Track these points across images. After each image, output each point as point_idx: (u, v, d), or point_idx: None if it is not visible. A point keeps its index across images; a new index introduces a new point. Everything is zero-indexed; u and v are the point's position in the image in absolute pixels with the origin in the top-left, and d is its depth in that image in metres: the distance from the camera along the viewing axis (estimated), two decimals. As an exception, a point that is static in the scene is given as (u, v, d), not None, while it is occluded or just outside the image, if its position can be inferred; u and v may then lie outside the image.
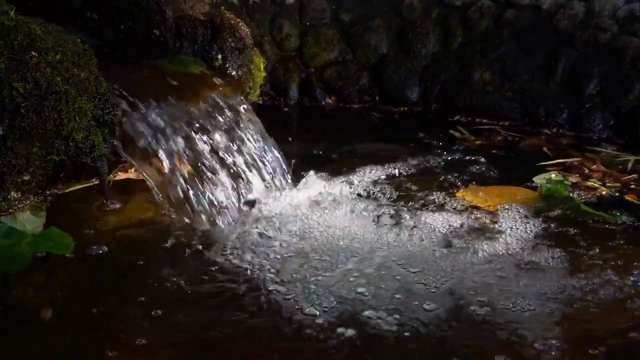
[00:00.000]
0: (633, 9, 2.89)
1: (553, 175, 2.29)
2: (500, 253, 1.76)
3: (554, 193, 2.15)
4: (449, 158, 2.52)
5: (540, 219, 1.97)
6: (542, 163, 2.50)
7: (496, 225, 1.93)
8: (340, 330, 1.40)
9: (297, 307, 1.49)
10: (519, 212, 2.01)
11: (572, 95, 2.92)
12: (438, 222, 1.94)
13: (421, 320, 1.44)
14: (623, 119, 2.80)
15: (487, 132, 2.91)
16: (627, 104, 2.81)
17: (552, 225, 1.93)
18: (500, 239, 1.84)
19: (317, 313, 1.46)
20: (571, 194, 2.17)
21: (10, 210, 1.78)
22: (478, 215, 2.00)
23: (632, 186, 2.28)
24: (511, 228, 1.91)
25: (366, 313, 1.47)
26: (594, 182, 2.30)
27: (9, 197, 1.77)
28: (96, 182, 2.07)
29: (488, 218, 1.98)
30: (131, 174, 2.15)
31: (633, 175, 2.36)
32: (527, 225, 1.93)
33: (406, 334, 1.40)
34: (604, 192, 2.21)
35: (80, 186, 2.06)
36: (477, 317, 1.46)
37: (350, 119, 3.14)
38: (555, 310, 1.48)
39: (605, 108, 2.85)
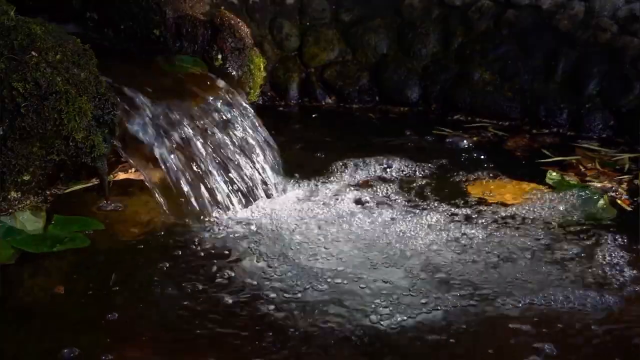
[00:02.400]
0: (633, 9, 2.89)
1: (554, 174, 2.33)
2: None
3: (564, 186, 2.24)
4: (448, 157, 2.53)
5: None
6: (541, 160, 2.52)
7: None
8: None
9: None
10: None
11: (572, 95, 2.92)
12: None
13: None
14: (623, 119, 2.80)
15: (476, 130, 2.91)
16: (627, 104, 2.81)
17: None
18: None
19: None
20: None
21: (10, 210, 1.78)
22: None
23: (624, 186, 2.29)
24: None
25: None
26: (595, 181, 2.32)
27: (9, 197, 1.77)
28: (96, 182, 2.07)
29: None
30: (131, 174, 2.15)
31: (626, 176, 2.37)
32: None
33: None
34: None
35: (80, 186, 2.07)
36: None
37: (350, 119, 3.13)
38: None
39: (605, 108, 2.85)
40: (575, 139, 2.76)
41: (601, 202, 2.11)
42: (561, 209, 2.08)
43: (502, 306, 1.55)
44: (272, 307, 1.54)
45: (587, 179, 2.34)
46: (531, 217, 2.02)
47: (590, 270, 1.72)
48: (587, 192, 2.18)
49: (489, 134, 2.86)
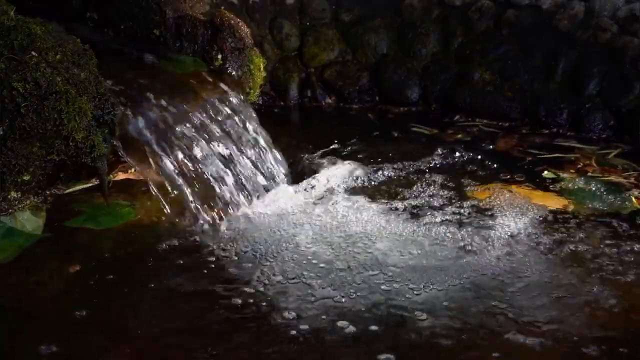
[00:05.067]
0: (633, 9, 2.89)
1: (548, 173, 2.35)
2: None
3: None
4: (442, 160, 2.53)
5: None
6: (538, 158, 2.53)
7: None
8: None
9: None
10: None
11: (572, 95, 2.92)
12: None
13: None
14: (623, 119, 2.80)
15: (464, 128, 2.93)
16: (627, 104, 2.81)
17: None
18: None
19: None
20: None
21: (10, 210, 1.78)
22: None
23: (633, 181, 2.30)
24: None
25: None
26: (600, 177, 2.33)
27: (9, 197, 1.77)
28: (96, 182, 2.07)
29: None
30: (131, 174, 2.15)
31: (632, 173, 2.38)
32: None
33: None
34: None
35: (80, 186, 2.06)
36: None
37: (349, 119, 3.13)
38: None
39: (605, 108, 2.85)
40: (554, 138, 2.79)
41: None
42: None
43: None
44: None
45: (589, 175, 2.36)
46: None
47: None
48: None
49: (475, 128, 2.88)
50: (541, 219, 1.99)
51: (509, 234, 1.89)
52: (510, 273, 1.68)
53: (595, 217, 2.02)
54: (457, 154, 2.55)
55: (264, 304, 1.55)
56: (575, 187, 2.25)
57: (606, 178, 2.32)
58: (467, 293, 1.59)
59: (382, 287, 1.62)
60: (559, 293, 1.60)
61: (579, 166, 2.46)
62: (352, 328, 1.45)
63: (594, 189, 2.23)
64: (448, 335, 1.43)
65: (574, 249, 1.82)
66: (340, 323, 1.46)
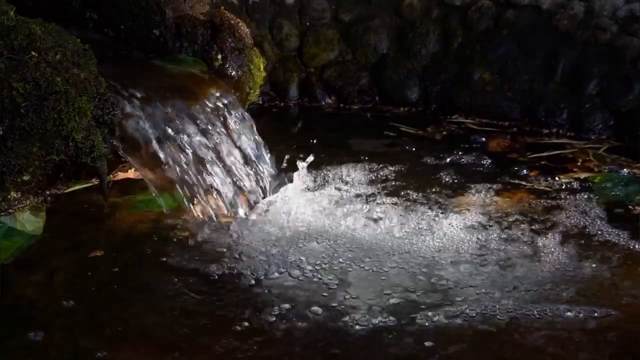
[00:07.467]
0: (633, 9, 2.89)
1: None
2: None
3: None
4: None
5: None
6: (537, 157, 2.55)
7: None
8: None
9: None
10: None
11: (572, 95, 2.92)
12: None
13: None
14: (623, 119, 2.80)
15: (461, 127, 2.94)
16: (627, 104, 2.81)
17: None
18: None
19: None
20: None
21: (10, 210, 1.78)
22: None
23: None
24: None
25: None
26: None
27: (9, 197, 1.77)
28: (96, 182, 2.07)
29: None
30: (131, 174, 2.15)
31: None
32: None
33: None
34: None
35: (80, 186, 2.07)
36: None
37: (348, 119, 3.13)
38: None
39: (605, 108, 2.85)
40: (546, 137, 2.82)
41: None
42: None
43: None
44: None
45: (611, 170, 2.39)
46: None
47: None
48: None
49: (467, 127, 2.90)
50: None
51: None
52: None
53: None
54: (453, 154, 2.56)
55: (268, 303, 1.55)
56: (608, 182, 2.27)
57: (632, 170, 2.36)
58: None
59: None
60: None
61: (579, 163, 2.46)
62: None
63: (619, 182, 2.25)
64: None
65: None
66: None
